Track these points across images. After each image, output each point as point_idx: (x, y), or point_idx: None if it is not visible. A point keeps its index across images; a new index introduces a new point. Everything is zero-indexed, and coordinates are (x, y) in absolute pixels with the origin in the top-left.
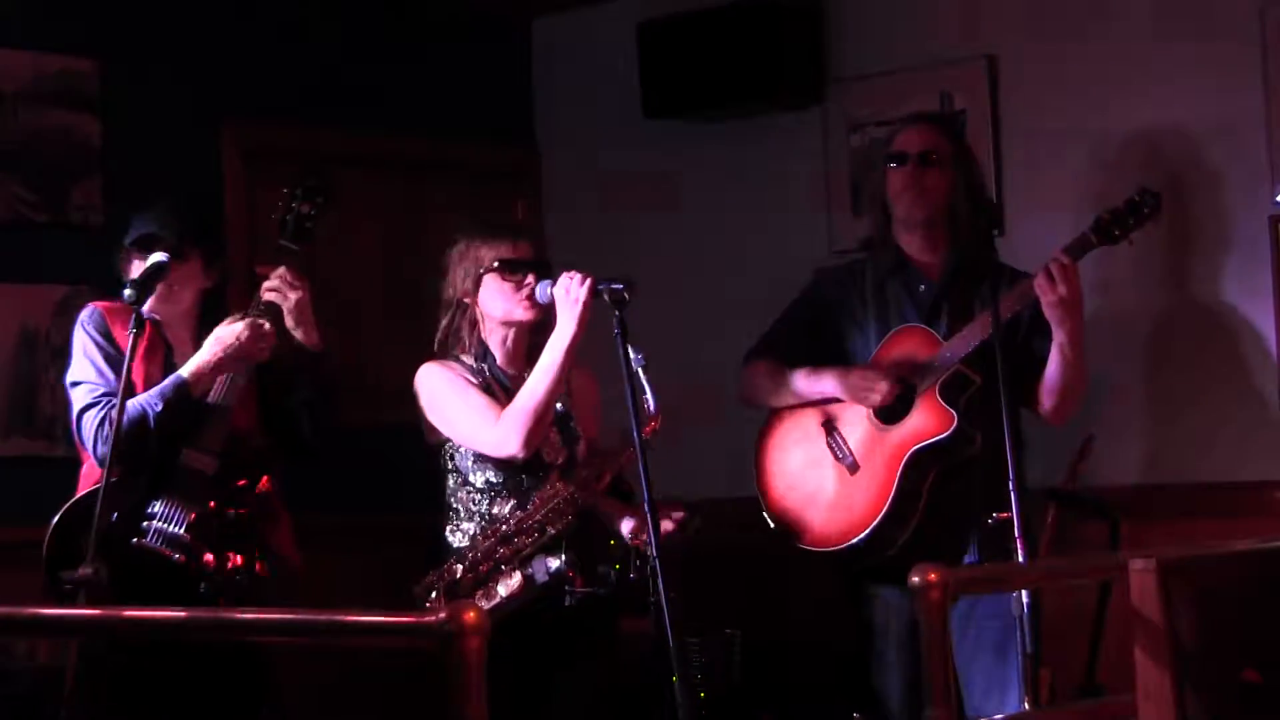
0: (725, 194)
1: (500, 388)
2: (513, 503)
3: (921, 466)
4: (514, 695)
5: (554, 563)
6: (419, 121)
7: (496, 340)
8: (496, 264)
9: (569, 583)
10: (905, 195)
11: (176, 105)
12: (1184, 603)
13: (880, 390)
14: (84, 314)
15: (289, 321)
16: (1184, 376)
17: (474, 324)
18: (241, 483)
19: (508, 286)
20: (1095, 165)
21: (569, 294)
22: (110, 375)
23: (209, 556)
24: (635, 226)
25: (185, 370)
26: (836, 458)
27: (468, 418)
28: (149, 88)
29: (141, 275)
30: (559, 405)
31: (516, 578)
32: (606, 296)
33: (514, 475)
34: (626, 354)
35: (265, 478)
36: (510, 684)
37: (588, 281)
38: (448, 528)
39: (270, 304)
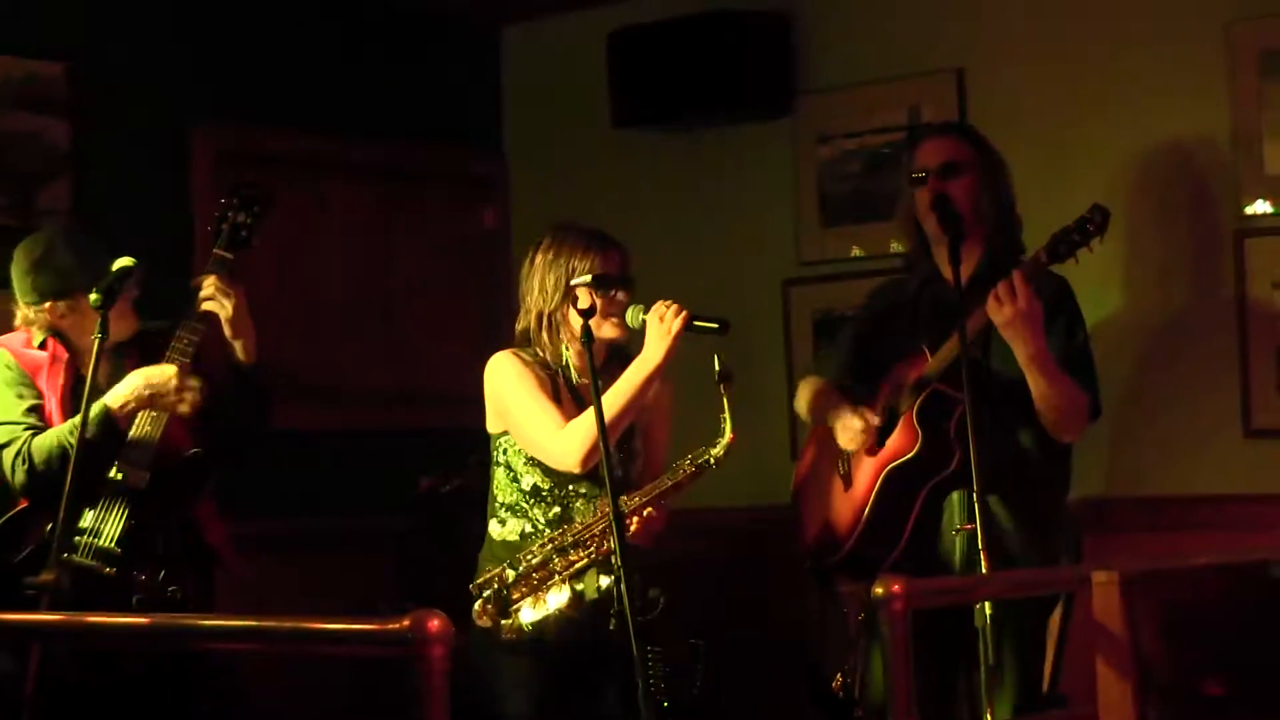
0: (693, 204)
1: (571, 398)
2: (556, 509)
3: (906, 485)
4: (553, 708)
5: (605, 581)
6: (388, 128)
7: (574, 351)
8: (590, 278)
9: (615, 604)
10: (930, 215)
11: (146, 109)
12: (1145, 615)
13: (854, 432)
14: None
15: (227, 332)
16: (1147, 390)
17: (556, 331)
18: (177, 495)
19: (599, 303)
20: (1061, 179)
21: (662, 322)
22: (24, 403)
23: (141, 572)
24: None
25: (110, 399)
26: (839, 474)
27: (534, 421)
28: (118, 92)
29: (108, 281)
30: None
31: (567, 591)
32: (688, 324)
33: (563, 484)
34: (594, 369)
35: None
36: (549, 697)
37: (682, 315)
38: (493, 520)
39: (207, 314)
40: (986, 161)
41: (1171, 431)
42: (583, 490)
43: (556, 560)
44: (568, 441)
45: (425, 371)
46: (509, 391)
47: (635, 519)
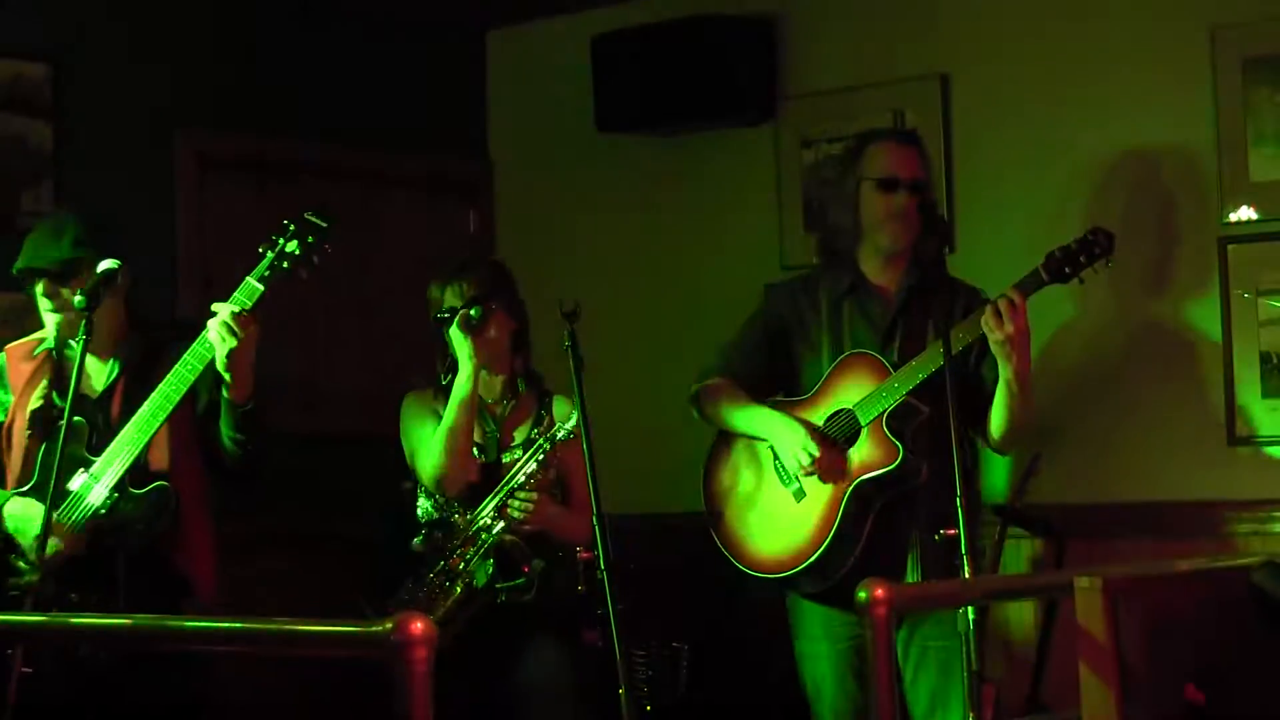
0: (677, 209)
1: (479, 421)
2: (469, 515)
3: (867, 496)
4: (475, 695)
5: (488, 566)
6: (373, 132)
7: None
8: (441, 315)
9: (499, 581)
10: (893, 223)
11: (130, 111)
12: (1129, 621)
13: (809, 459)
14: None
15: (218, 363)
16: (1132, 396)
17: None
18: (133, 520)
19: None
20: (1046, 184)
21: (460, 328)
22: None
23: (76, 591)
24: (587, 240)
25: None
26: (784, 484)
27: (417, 454)
28: (102, 93)
29: (92, 283)
30: (532, 433)
31: (459, 589)
32: (462, 324)
33: (471, 492)
34: (579, 365)
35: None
36: (468, 686)
37: (459, 315)
38: (416, 539)
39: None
40: (931, 177)
41: (1155, 438)
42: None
43: (452, 561)
44: (430, 471)
45: (407, 375)
46: (404, 432)
47: (515, 507)
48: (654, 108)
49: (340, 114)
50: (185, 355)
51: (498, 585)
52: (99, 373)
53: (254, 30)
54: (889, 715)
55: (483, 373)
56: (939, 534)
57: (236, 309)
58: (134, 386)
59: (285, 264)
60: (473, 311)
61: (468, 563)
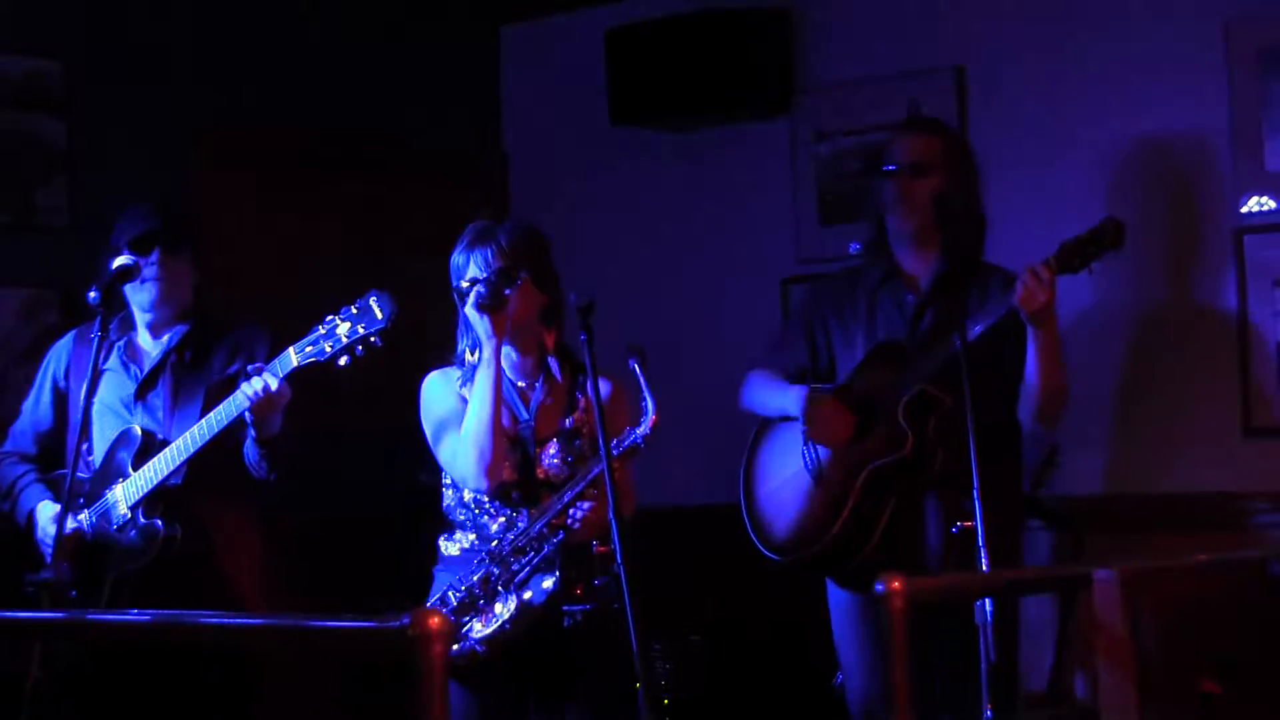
0: (692, 202)
1: (504, 402)
2: (502, 517)
3: (883, 483)
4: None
5: (547, 583)
6: (388, 126)
7: (505, 351)
8: (462, 287)
9: (564, 602)
10: (896, 207)
11: (143, 107)
12: (1146, 613)
13: (836, 434)
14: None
15: (249, 417)
16: (1148, 388)
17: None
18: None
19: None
20: (1060, 176)
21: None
22: (26, 416)
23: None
24: (601, 233)
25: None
26: (807, 468)
27: (443, 445)
28: (116, 90)
29: (106, 278)
30: (566, 421)
31: (513, 602)
32: (474, 301)
33: (504, 491)
34: (593, 362)
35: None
36: (527, 710)
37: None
38: (442, 536)
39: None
40: (957, 162)
41: (1171, 429)
42: (524, 493)
43: (498, 571)
44: (462, 464)
45: (422, 369)
46: (427, 417)
47: (576, 513)
48: (668, 101)
49: (356, 108)
50: (229, 399)
51: (564, 607)
52: (152, 347)
53: (267, 25)
54: (905, 706)
55: (510, 353)
56: (956, 526)
57: (274, 384)
58: (179, 371)
59: (328, 345)
60: (489, 289)
61: (514, 574)
